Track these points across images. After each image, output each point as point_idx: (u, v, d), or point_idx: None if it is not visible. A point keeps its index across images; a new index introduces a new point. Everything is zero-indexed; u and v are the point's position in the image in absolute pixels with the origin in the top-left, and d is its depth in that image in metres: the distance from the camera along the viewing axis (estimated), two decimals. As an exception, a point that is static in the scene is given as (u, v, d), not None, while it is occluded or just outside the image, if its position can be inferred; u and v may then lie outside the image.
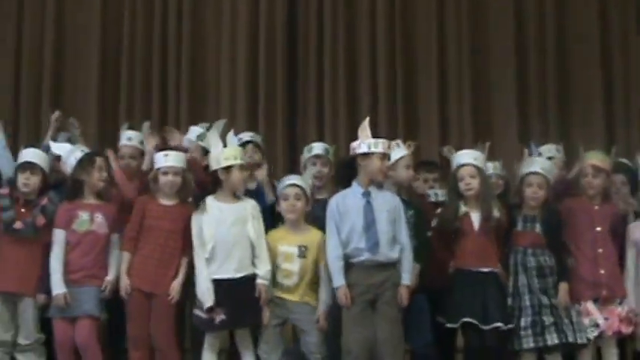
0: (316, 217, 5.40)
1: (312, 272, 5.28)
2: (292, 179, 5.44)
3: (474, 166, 5.43)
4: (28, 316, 5.37)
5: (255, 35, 8.02)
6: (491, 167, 5.79)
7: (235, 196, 5.32)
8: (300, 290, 5.26)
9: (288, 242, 5.29)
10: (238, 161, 5.28)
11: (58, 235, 5.35)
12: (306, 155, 5.94)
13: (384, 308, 5.13)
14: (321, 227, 5.32)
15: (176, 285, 5.29)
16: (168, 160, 5.38)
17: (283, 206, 5.34)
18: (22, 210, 5.41)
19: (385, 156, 5.26)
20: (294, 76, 8.04)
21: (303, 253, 5.25)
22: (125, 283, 5.28)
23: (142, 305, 5.28)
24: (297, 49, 8.06)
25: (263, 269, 5.20)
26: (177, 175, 5.38)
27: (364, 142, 5.24)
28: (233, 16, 8.09)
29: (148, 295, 5.29)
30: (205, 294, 5.12)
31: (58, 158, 5.62)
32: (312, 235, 5.33)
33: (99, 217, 5.38)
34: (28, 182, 5.43)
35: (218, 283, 5.16)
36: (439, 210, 5.61)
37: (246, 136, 5.99)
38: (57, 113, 6.19)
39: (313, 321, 5.22)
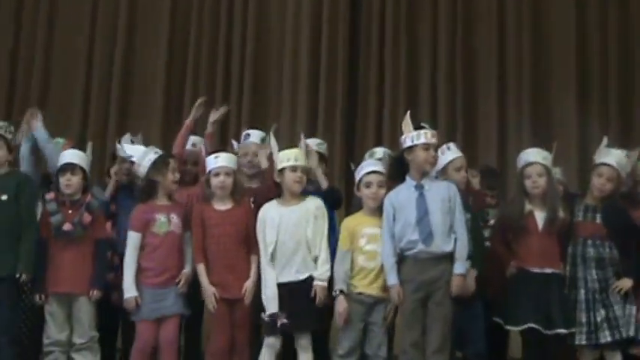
0: None
1: None
2: (373, 165, 5.41)
3: (542, 164, 5.38)
4: (83, 315, 5.38)
5: (317, 40, 8.10)
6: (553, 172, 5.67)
7: (299, 197, 5.32)
8: (381, 279, 5.19)
9: (371, 224, 5.26)
10: (290, 163, 5.28)
11: (133, 238, 5.35)
12: (367, 159, 5.87)
13: (435, 309, 5.06)
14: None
15: (248, 285, 5.28)
16: (218, 161, 5.36)
17: (366, 193, 5.31)
18: (69, 212, 5.42)
19: (429, 146, 5.19)
20: (355, 78, 8.07)
21: None
22: (211, 292, 5.25)
23: (225, 314, 5.27)
24: (358, 52, 8.10)
25: (320, 269, 5.19)
26: (228, 176, 5.36)
27: (408, 136, 5.21)
28: (296, 28, 8.16)
29: (229, 302, 5.28)
30: (270, 300, 5.16)
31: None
32: None
33: (174, 218, 5.39)
34: (69, 183, 5.45)
35: (281, 287, 5.17)
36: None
37: (313, 143, 5.90)
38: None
39: (384, 322, 5.21)
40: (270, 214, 5.28)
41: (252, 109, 8.00)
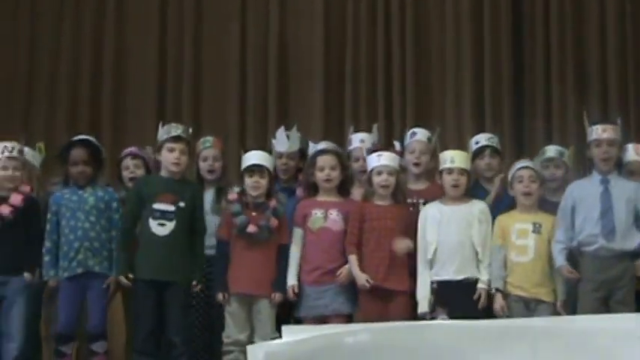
0: None
1: (547, 255, 5.18)
2: (526, 162, 5.40)
3: None
4: (264, 317, 5.40)
5: (480, 32, 8.01)
6: None
7: (464, 199, 5.32)
8: (536, 275, 5.13)
9: (521, 220, 5.26)
10: (447, 165, 5.30)
11: (296, 234, 5.47)
12: (539, 158, 5.77)
13: (618, 308, 4.96)
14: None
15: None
16: (381, 159, 5.39)
17: (518, 188, 5.29)
18: (253, 214, 5.44)
19: (600, 142, 5.14)
20: (520, 71, 7.96)
21: (537, 229, 5.21)
22: (363, 279, 5.25)
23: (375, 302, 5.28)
24: (522, 43, 7.99)
25: (485, 275, 5.18)
26: (391, 175, 5.36)
27: (588, 133, 5.24)
28: (457, 23, 8.09)
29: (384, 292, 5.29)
30: (423, 299, 5.19)
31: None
32: (546, 215, 5.29)
33: (333, 214, 5.42)
34: (258, 185, 5.46)
35: (440, 284, 5.19)
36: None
37: (483, 139, 5.86)
38: None
39: None
40: (432, 212, 5.32)
41: (417, 107, 7.97)
